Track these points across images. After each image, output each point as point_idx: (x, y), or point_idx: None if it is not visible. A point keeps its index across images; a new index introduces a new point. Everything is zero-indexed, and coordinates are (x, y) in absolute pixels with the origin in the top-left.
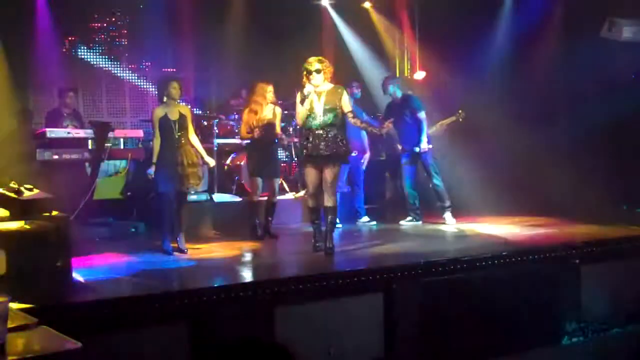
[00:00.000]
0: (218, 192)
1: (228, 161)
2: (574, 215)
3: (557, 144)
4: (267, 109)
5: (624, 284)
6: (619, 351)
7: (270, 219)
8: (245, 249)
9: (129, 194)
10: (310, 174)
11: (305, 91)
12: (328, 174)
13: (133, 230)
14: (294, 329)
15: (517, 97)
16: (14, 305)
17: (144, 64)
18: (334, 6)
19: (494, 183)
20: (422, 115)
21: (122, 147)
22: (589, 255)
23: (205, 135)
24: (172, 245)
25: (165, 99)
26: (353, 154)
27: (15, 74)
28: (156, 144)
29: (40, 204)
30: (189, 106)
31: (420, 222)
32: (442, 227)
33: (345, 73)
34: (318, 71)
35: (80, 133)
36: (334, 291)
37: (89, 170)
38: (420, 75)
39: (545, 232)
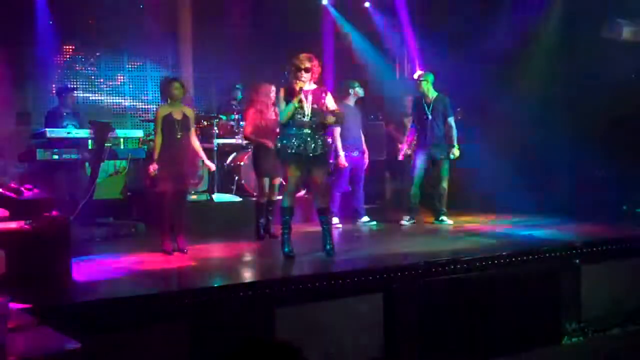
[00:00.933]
0: (218, 192)
1: (228, 161)
2: (574, 215)
3: (557, 144)
4: (270, 110)
5: (624, 284)
6: (619, 351)
7: (270, 218)
8: (245, 249)
9: (129, 194)
10: (296, 173)
11: (297, 88)
12: (320, 175)
13: (133, 230)
14: (294, 329)
15: (517, 97)
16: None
17: (144, 64)
18: (334, 6)
19: (493, 183)
20: (452, 120)
21: (122, 147)
22: (589, 255)
23: (205, 135)
24: (172, 245)
25: (168, 99)
26: (354, 154)
27: (15, 74)
28: (157, 142)
29: (40, 204)
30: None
31: (415, 223)
32: (442, 227)
33: (346, 73)
34: (307, 70)
35: (80, 133)
36: (334, 291)
37: (89, 170)
38: (420, 75)
39: (545, 232)
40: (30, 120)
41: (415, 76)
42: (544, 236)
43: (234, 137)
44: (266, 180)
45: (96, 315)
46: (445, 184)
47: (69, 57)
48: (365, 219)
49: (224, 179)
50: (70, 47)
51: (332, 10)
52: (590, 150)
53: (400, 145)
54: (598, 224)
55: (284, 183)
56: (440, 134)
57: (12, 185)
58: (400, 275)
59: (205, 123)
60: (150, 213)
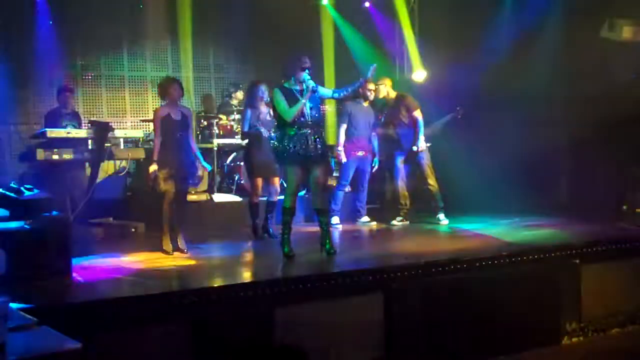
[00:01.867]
0: (218, 192)
1: (228, 161)
2: (574, 215)
3: (556, 144)
4: (265, 110)
5: (624, 284)
6: (619, 351)
7: (270, 219)
8: (245, 249)
9: (129, 194)
10: (298, 173)
11: (304, 85)
12: (320, 175)
13: (133, 230)
14: (294, 329)
15: (517, 97)
16: (14, 305)
17: (144, 64)
18: (334, 5)
19: (493, 182)
20: (417, 113)
21: (122, 147)
22: (589, 255)
23: (205, 135)
24: (172, 245)
25: (167, 99)
26: (359, 154)
27: (15, 73)
28: (156, 142)
29: (40, 204)
30: (190, 107)
31: (408, 223)
32: (441, 227)
33: (346, 73)
34: (310, 68)
35: (80, 133)
36: (334, 291)
37: (89, 170)
38: (420, 75)
39: (545, 232)
40: (30, 120)
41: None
42: (544, 236)
43: (234, 137)
44: (259, 181)
45: (96, 315)
46: (431, 181)
47: (69, 57)
48: (365, 219)
49: (224, 179)
50: (70, 47)
51: (332, 10)
52: (590, 150)
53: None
54: (598, 224)
55: (284, 184)
56: (411, 131)
57: (12, 185)
58: (400, 275)
59: (205, 123)
60: (150, 213)
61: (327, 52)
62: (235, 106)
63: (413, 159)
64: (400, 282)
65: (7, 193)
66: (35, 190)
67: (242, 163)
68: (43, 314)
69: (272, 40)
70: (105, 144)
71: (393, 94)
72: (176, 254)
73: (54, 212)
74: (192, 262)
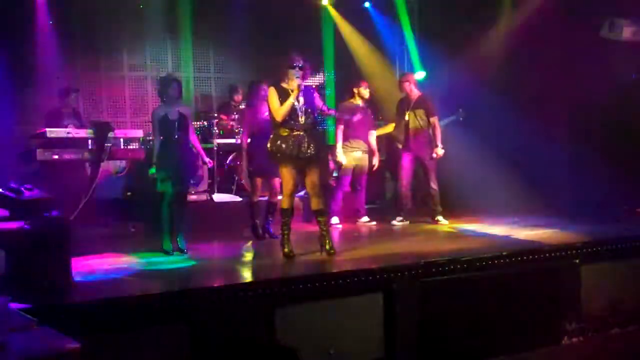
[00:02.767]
0: (218, 192)
1: (228, 161)
2: (574, 215)
3: (557, 144)
4: (265, 110)
5: (624, 284)
6: (619, 351)
7: (270, 219)
8: (245, 249)
9: (129, 194)
10: (293, 174)
11: (293, 86)
12: (316, 176)
13: (133, 230)
14: (293, 329)
15: (517, 97)
16: (14, 305)
17: (144, 63)
18: (334, 5)
19: (494, 182)
20: (435, 120)
21: (122, 147)
22: (589, 255)
23: (205, 135)
24: (172, 245)
25: (165, 99)
26: (358, 155)
27: (15, 73)
28: (155, 143)
29: (40, 204)
30: (189, 107)
31: (408, 222)
32: (441, 227)
33: (346, 72)
34: (301, 68)
35: (80, 133)
36: (334, 291)
37: (89, 170)
38: (420, 75)
39: (545, 232)
40: (30, 120)
41: (398, 77)
42: (544, 236)
43: (234, 137)
44: (259, 180)
45: (96, 315)
46: (434, 184)
47: (69, 57)
48: (365, 219)
49: (224, 179)
50: (70, 46)
51: (331, 10)
52: (590, 150)
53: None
54: (598, 224)
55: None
56: (425, 134)
57: (12, 185)
58: (400, 275)
59: (205, 123)
60: (150, 213)
61: (327, 52)
62: (235, 106)
63: (420, 161)
64: (400, 282)
65: (7, 193)
66: (35, 190)
67: (240, 163)
68: (43, 314)
69: (272, 40)
70: (105, 144)
71: (416, 93)
72: (176, 254)
73: (54, 212)
74: (192, 262)
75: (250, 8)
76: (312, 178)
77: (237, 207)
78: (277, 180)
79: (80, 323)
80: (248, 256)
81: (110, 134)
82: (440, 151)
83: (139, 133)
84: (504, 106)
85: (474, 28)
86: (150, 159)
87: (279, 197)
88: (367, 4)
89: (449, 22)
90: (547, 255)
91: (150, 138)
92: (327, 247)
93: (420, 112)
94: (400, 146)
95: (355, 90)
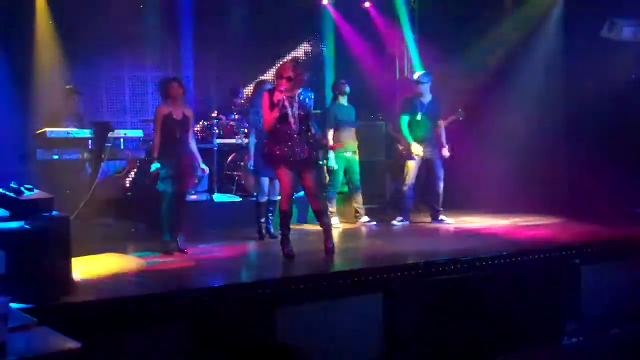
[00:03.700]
0: (218, 192)
1: (228, 161)
2: (574, 215)
3: (556, 144)
4: None
5: (624, 284)
6: (619, 351)
7: (271, 218)
8: (245, 249)
9: (129, 193)
10: (288, 175)
11: (279, 96)
12: (311, 178)
13: (133, 230)
14: (293, 329)
15: (517, 97)
16: (14, 305)
17: (144, 63)
18: (334, 5)
19: (493, 182)
20: (442, 123)
21: (122, 147)
22: (589, 255)
23: (205, 135)
24: (172, 245)
25: (167, 100)
26: (347, 155)
27: (15, 74)
28: (157, 142)
29: (40, 204)
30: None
31: (408, 223)
32: (441, 226)
33: (346, 73)
34: (290, 78)
35: (80, 133)
36: (334, 291)
37: (89, 170)
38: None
39: (545, 232)
40: (30, 120)
41: (415, 77)
42: (544, 236)
43: (234, 137)
44: (265, 180)
45: (96, 315)
46: (441, 184)
47: (69, 57)
48: (365, 219)
49: (224, 179)
50: (70, 46)
51: (332, 10)
52: (590, 150)
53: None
54: (598, 224)
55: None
56: (433, 135)
57: (12, 185)
58: (400, 275)
59: (205, 123)
60: (150, 213)
61: (327, 52)
62: (236, 106)
63: (429, 161)
64: (400, 282)
65: (7, 193)
66: (35, 190)
67: (242, 163)
68: (43, 314)
69: (273, 40)
70: (105, 144)
71: (429, 96)
72: (176, 254)
73: (54, 212)
74: (192, 262)
75: (251, 8)
76: (307, 180)
77: (237, 207)
78: (277, 181)
79: (80, 323)
80: (248, 256)
81: (110, 134)
82: (447, 151)
83: (139, 133)
84: (503, 106)
85: (474, 28)
86: (151, 156)
87: (279, 197)
88: (367, 4)
89: (449, 22)
90: (547, 255)
91: (150, 138)
92: (328, 247)
93: (432, 113)
94: (400, 147)
95: (336, 91)
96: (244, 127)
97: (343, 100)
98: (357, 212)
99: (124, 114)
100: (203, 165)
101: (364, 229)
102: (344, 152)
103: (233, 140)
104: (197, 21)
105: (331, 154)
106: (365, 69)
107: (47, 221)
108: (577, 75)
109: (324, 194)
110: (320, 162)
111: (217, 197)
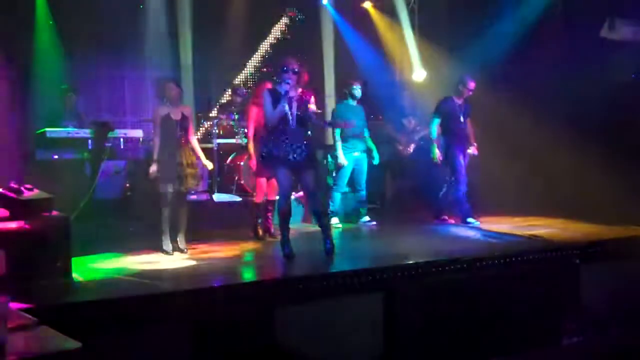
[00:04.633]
0: (218, 192)
1: (228, 161)
2: (574, 215)
3: (556, 144)
4: None
5: (623, 284)
6: (619, 351)
7: (271, 218)
8: (245, 249)
9: (129, 193)
10: (287, 176)
11: (282, 91)
12: (308, 179)
13: (132, 230)
14: (293, 329)
15: (517, 97)
16: (14, 305)
17: (144, 63)
18: (334, 5)
19: (493, 183)
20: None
21: (122, 147)
22: (589, 255)
23: (205, 135)
24: (172, 245)
25: (165, 100)
26: (355, 154)
27: (15, 74)
28: (156, 142)
29: (40, 204)
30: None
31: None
32: (441, 226)
33: (346, 73)
34: (295, 72)
35: (80, 133)
36: (334, 291)
37: (89, 170)
38: (420, 75)
39: (545, 232)
40: (31, 120)
41: (467, 80)
42: (544, 236)
43: (234, 137)
44: (263, 180)
45: (96, 315)
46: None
47: (69, 57)
48: (366, 218)
49: (224, 179)
50: (70, 46)
51: (331, 10)
52: (590, 150)
53: (401, 147)
54: (598, 224)
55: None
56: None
57: (12, 185)
58: (400, 275)
59: (205, 123)
60: (150, 213)
61: (327, 52)
62: (236, 106)
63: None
64: (400, 282)
65: (7, 193)
66: (35, 190)
67: (242, 163)
68: (43, 314)
69: (273, 40)
70: (105, 144)
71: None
72: (176, 254)
73: (54, 212)
74: (192, 262)
75: (251, 8)
76: (306, 180)
77: (237, 207)
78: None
79: (80, 323)
80: (248, 256)
81: (110, 134)
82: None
83: (139, 133)
84: (503, 106)
85: (473, 28)
86: (150, 158)
87: (277, 197)
88: (367, 4)
89: (449, 22)
90: (547, 255)
91: (150, 138)
92: (328, 246)
93: (465, 116)
94: (400, 147)
95: (346, 91)
96: (244, 127)
97: (351, 101)
98: (358, 211)
99: (123, 114)
100: (206, 162)
101: (364, 229)
102: (352, 151)
103: (233, 140)
104: (197, 21)
105: (340, 152)
106: (365, 69)
107: (47, 221)
108: (577, 75)
109: (323, 194)
110: (327, 161)
111: (217, 197)
